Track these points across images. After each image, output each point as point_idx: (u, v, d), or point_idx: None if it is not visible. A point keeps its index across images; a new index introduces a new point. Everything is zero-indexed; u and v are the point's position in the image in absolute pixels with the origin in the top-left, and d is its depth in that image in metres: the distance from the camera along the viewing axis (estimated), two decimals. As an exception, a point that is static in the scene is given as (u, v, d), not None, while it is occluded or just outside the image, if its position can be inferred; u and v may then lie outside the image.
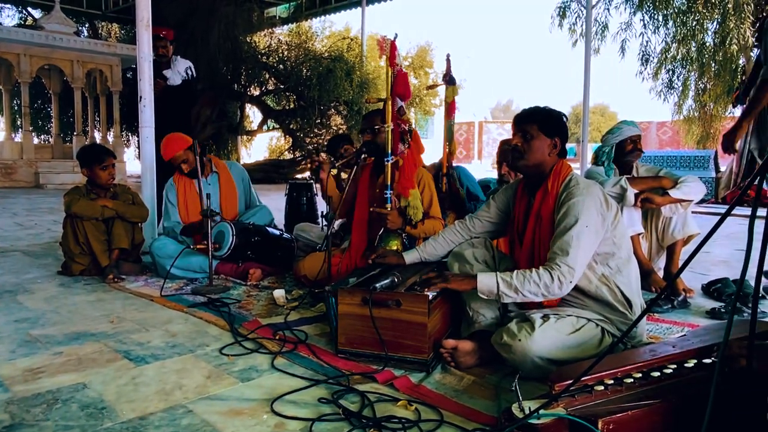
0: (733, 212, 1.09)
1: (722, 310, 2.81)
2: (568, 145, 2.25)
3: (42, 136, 15.97)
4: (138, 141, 5.01)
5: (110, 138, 13.08)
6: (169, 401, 1.80)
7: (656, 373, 1.54)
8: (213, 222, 3.30)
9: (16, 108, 13.87)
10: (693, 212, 3.32)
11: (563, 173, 2.12)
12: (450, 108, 3.81)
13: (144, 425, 1.64)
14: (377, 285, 2.09)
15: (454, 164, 3.92)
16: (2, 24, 15.79)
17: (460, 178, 3.82)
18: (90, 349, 2.28)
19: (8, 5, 16.58)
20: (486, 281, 1.98)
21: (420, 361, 2.05)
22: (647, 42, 11.64)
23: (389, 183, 2.92)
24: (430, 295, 2.05)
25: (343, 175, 3.80)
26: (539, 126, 2.12)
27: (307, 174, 14.35)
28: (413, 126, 3.07)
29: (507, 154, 3.83)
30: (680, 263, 3.36)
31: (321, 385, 1.93)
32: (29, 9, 16.63)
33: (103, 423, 1.65)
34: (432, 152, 4.89)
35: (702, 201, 4.82)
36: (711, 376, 1.28)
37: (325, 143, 14.87)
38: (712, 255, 4.47)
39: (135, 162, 14.19)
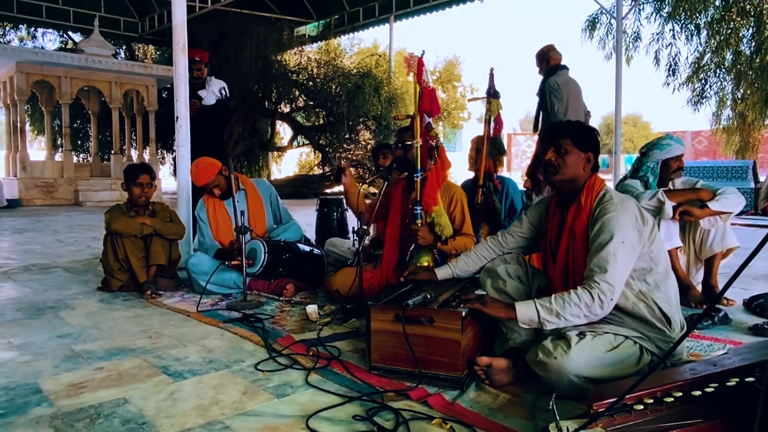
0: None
1: (765, 326, 2.72)
2: (600, 157, 2.22)
3: (81, 155, 16.48)
4: (173, 159, 5.13)
5: (146, 156, 13.43)
6: (207, 417, 1.83)
7: (697, 392, 1.50)
8: (246, 239, 3.36)
9: (56, 128, 14.37)
10: (731, 224, 3.24)
11: (597, 188, 2.09)
12: (497, 122, 3.78)
13: (183, 440, 1.68)
14: (410, 302, 2.09)
15: (504, 176, 3.93)
16: (45, 48, 16.42)
17: (508, 190, 3.81)
18: (130, 365, 2.33)
19: (50, 30, 17.26)
20: (525, 311, 1.93)
21: (454, 379, 2.04)
22: (678, 52, 11.44)
23: (419, 199, 2.93)
24: (464, 312, 2.04)
25: (374, 189, 3.86)
26: (573, 140, 2.09)
27: (336, 189, 14.50)
28: (441, 142, 3.10)
29: (535, 168, 3.81)
30: (719, 276, 3.27)
31: (355, 402, 1.94)
32: (70, 33, 17.28)
33: (143, 438, 1.69)
34: (459, 166, 4.88)
35: (741, 212, 4.69)
36: (754, 394, 1.24)
37: (354, 158, 15.06)
38: (753, 269, 4.33)
39: (170, 179, 14.52)
